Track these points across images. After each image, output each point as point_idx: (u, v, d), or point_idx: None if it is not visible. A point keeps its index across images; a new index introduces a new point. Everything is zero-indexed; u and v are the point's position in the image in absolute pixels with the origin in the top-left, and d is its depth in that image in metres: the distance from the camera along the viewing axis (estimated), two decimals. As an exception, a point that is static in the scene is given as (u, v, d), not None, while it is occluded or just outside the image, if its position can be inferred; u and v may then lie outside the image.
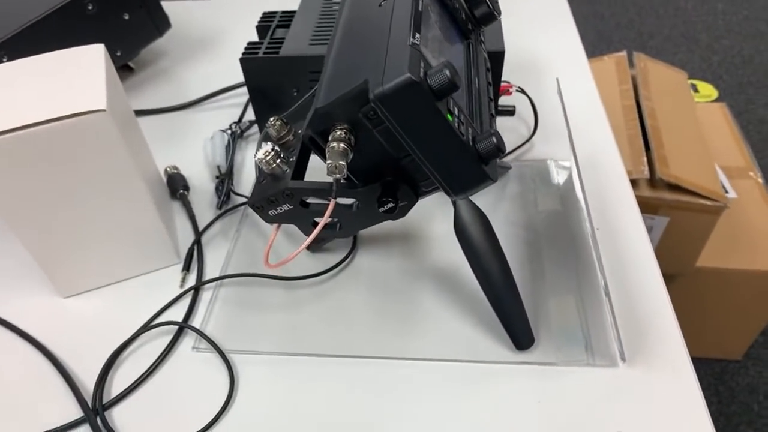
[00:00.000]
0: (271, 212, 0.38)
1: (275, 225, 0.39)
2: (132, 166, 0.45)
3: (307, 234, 0.39)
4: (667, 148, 1.08)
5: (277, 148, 0.37)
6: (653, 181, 1.06)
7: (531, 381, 0.42)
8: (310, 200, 0.37)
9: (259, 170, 0.38)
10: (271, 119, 0.39)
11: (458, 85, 0.29)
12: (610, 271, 0.48)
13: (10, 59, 0.64)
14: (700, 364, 1.34)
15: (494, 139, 0.32)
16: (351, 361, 0.44)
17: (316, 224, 0.39)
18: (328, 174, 0.32)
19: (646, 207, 1.05)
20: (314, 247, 0.50)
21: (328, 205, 0.35)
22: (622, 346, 0.41)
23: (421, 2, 0.35)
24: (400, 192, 0.35)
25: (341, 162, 0.32)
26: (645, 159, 1.06)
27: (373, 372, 0.44)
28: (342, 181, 0.33)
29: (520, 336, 0.44)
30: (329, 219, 0.36)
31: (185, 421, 0.42)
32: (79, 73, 0.45)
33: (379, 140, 0.33)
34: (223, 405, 0.42)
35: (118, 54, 0.72)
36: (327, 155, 0.32)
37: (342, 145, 0.32)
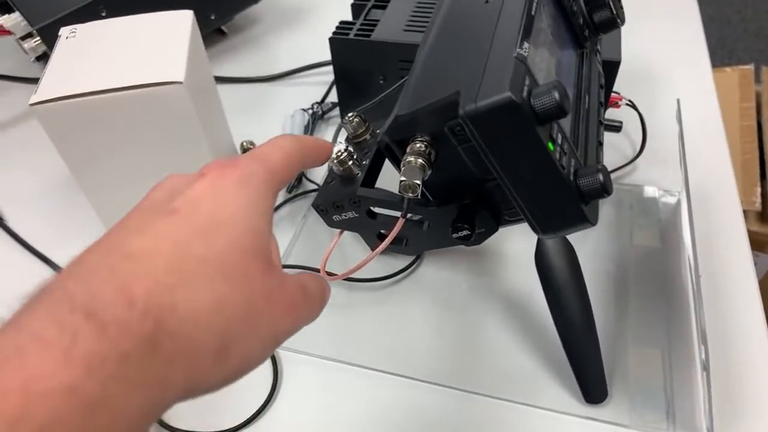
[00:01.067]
0: (335, 217, 0.34)
1: (338, 230, 0.36)
2: (204, 140, 0.44)
3: (370, 245, 0.36)
4: (787, 180, 0.96)
5: (350, 148, 0.34)
6: (765, 215, 0.95)
7: (597, 441, 0.38)
8: (378, 210, 0.34)
9: (329, 169, 0.35)
10: (349, 115, 0.36)
11: (567, 110, 0.25)
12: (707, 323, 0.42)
13: (108, 12, 0.64)
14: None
15: (600, 177, 0.27)
16: (399, 381, 0.41)
17: (381, 235, 0.35)
18: (399, 191, 0.29)
19: (752, 243, 0.95)
20: None
21: (397, 220, 0.31)
22: (713, 423, 0.36)
23: (535, 3, 0.30)
24: (479, 218, 0.31)
25: (416, 181, 0.28)
26: (759, 189, 0.95)
27: (421, 396, 0.41)
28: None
29: (592, 387, 0.39)
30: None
31: (223, 414, 0.40)
32: (163, 40, 0.44)
33: (463, 158, 0.29)
34: (263, 404, 0.41)
35: (212, 18, 0.71)
36: (402, 170, 0.28)
37: (420, 160, 0.28)
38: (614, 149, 0.57)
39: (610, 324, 0.44)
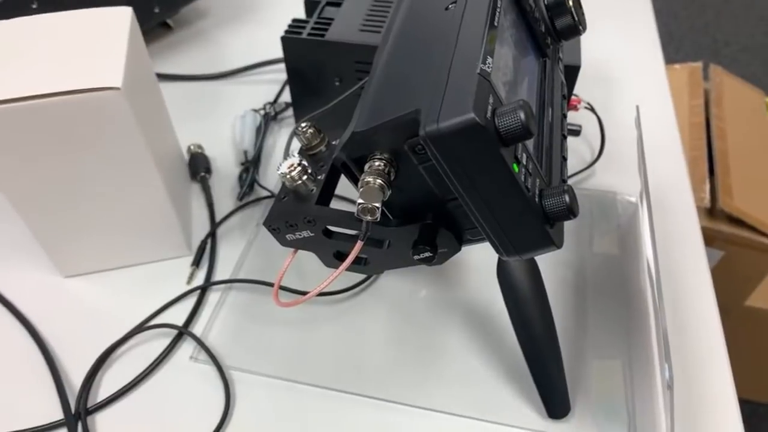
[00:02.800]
0: (289, 236, 0.32)
1: (292, 250, 0.34)
2: (145, 148, 0.40)
3: (327, 263, 0.34)
4: (734, 177, 0.99)
5: (304, 162, 0.31)
6: (713, 211, 0.97)
7: (560, 458, 0.37)
8: (335, 228, 0.32)
9: (282, 185, 0.33)
10: (302, 125, 0.34)
11: (533, 131, 0.23)
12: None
13: (40, 5, 0.59)
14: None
15: (566, 198, 0.26)
16: (359, 400, 0.40)
17: (339, 254, 0.34)
18: (357, 214, 0.27)
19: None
20: None
21: (355, 239, 0.29)
22: (674, 438, 0.36)
23: (498, 13, 0.29)
24: (441, 238, 0.30)
25: (376, 204, 0.26)
26: (707, 186, 0.97)
27: (381, 417, 0.39)
28: (375, 218, 0.28)
29: (555, 403, 0.38)
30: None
31: (170, 444, 0.38)
32: (99, 40, 0.40)
33: (424, 177, 0.28)
34: (215, 429, 0.38)
35: (157, 10, 0.67)
36: (359, 192, 0.26)
37: (379, 181, 0.26)
38: (572, 153, 0.56)
39: (570, 334, 0.43)
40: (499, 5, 0.29)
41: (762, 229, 0.94)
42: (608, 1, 0.77)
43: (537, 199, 0.26)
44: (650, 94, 0.64)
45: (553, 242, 0.27)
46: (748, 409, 1.27)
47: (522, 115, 0.23)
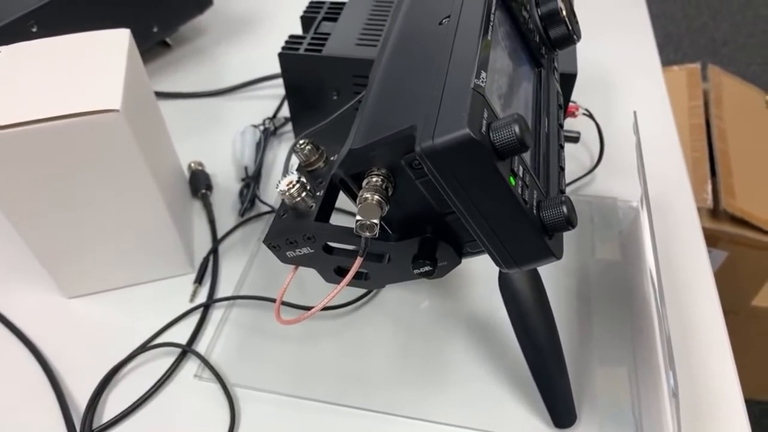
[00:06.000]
0: (289, 254, 0.32)
1: (292, 266, 0.34)
2: (145, 168, 0.41)
3: (328, 279, 0.34)
4: (736, 177, 0.99)
5: (303, 179, 0.32)
6: (716, 212, 0.97)
7: (568, 468, 0.37)
8: (336, 244, 0.32)
9: (282, 202, 0.33)
10: (300, 142, 0.34)
11: (528, 144, 0.24)
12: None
13: (40, 28, 0.60)
14: (739, 405, 1.25)
15: (564, 209, 0.26)
16: (364, 414, 0.40)
17: (340, 270, 0.34)
18: (356, 231, 0.27)
19: (705, 239, 0.97)
20: None
21: (355, 256, 0.29)
22: (681, 445, 0.35)
23: (492, 26, 0.29)
24: (440, 251, 0.30)
25: (374, 220, 0.26)
26: (709, 187, 0.97)
27: (386, 429, 0.39)
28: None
29: (561, 412, 0.38)
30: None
31: (176, 463, 0.38)
32: (97, 63, 0.40)
33: (421, 192, 0.28)
34: (220, 448, 0.38)
35: (155, 30, 0.67)
36: (358, 208, 0.27)
37: (377, 197, 0.26)
38: (572, 159, 0.56)
39: (574, 342, 0.43)
40: (492, 19, 0.29)
41: (765, 228, 0.94)
42: (603, 7, 0.78)
43: (535, 211, 0.26)
44: (648, 98, 0.64)
45: (552, 253, 0.27)
46: (759, 409, 1.26)
47: (517, 129, 0.23)
